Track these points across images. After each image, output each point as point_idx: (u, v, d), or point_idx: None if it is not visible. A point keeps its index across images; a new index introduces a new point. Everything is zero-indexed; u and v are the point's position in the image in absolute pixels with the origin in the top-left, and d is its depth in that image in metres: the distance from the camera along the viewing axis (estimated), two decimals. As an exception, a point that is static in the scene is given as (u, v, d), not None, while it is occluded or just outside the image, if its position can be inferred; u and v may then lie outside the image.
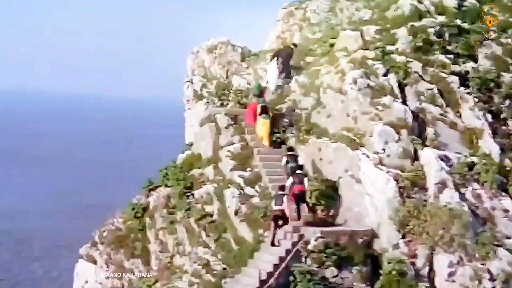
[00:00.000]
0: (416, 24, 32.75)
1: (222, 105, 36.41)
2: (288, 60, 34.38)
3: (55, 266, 63.43)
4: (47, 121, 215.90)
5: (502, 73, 32.21)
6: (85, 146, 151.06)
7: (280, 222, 28.18)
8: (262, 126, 31.74)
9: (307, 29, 38.47)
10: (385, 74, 30.99)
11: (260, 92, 33.15)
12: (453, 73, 31.60)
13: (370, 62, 31.24)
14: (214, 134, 32.06)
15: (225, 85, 37.48)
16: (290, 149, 30.65)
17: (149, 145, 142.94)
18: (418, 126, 30.29)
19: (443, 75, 31.36)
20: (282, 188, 28.64)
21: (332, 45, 33.67)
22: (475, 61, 32.52)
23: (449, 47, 32.42)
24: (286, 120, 32.01)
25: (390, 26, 33.12)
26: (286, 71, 34.16)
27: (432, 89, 30.96)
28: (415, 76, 31.06)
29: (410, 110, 30.25)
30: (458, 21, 33.27)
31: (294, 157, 30.07)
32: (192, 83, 38.91)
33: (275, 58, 34.45)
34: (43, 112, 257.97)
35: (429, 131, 30.23)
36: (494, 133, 30.87)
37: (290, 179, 28.97)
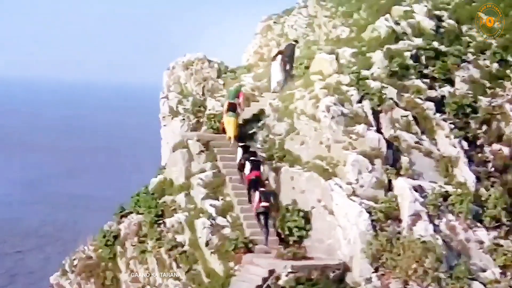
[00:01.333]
0: (392, 47, 32.12)
1: (198, 122, 35.87)
2: (290, 57, 34.12)
3: (45, 258, 62.78)
4: (38, 109, 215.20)
5: (479, 97, 31.67)
6: (71, 134, 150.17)
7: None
8: (227, 124, 31.47)
9: (284, 45, 37.72)
10: (360, 101, 30.39)
11: (237, 92, 32.80)
12: (429, 99, 30.99)
13: (344, 88, 30.59)
14: (186, 161, 31.48)
15: (201, 102, 36.97)
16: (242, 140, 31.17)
17: (140, 135, 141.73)
18: (393, 154, 29.69)
19: (419, 101, 30.76)
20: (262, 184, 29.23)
21: (307, 67, 33.07)
22: (452, 84, 31.95)
23: (425, 71, 31.83)
24: (259, 146, 31.47)
25: (366, 48, 32.50)
26: (289, 68, 33.89)
27: (407, 116, 30.33)
28: (390, 103, 30.42)
29: (384, 138, 29.66)
30: (436, 43, 32.63)
31: (247, 147, 30.54)
32: (168, 99, 38.33)
33: (278, 56, 33.99)
34: (34, 100, 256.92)
35: (404, 159, 29.62)
36: (470, 161, 30.29)
37: (248, 165, 29.43)
